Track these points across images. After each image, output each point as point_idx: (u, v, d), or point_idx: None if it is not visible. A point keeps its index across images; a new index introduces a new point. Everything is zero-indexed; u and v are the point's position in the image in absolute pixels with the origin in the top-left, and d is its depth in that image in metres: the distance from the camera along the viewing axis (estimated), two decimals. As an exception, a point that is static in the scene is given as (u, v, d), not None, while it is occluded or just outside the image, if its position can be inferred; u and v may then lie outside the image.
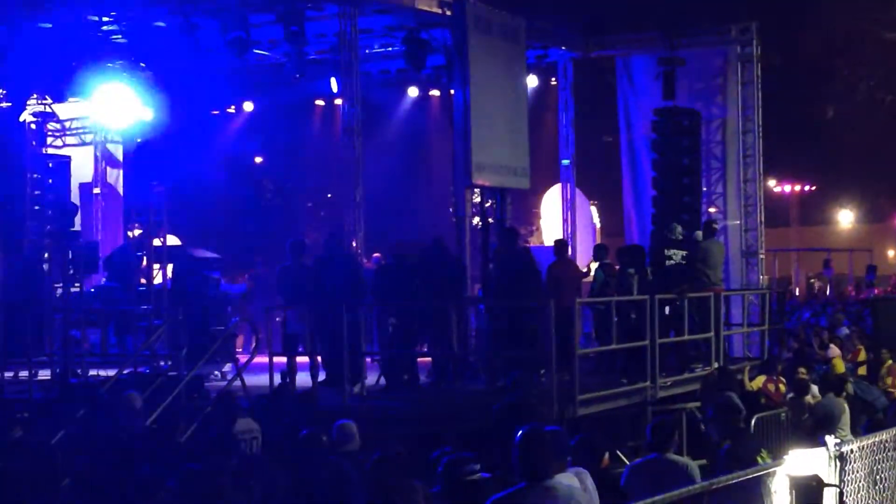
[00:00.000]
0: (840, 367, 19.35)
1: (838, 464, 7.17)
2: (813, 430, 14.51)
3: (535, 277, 16.33)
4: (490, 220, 20.71)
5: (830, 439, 7.23)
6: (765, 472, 7.04)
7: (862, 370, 20.30)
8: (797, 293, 36.37)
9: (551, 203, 24.65)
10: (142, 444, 10.74)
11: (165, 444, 11.08)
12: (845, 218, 52.23)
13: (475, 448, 9.11)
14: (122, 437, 10.73)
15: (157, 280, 18.53)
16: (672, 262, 17.62)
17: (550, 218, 24.84)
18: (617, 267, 18.05)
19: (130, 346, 18.72)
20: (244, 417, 12.08)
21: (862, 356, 20.96)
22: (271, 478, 9.92)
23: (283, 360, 16.22)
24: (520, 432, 7.05)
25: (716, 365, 17.13)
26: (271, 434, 11.96)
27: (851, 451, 7.34)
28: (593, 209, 29.86)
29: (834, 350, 20.50)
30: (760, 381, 17.67)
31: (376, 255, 21.07)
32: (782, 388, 17.46)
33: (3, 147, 20.91)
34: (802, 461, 7.00)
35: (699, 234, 19.70)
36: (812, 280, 37.46)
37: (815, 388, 16.34)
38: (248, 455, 11.02)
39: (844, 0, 39.49)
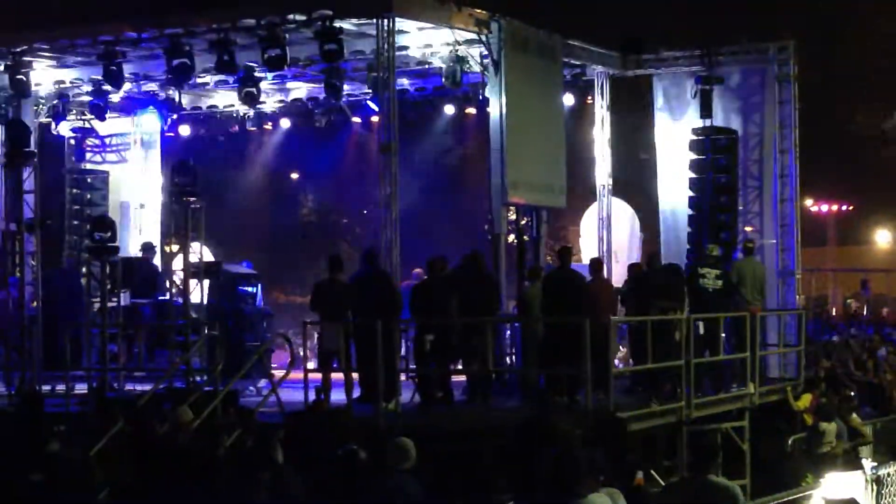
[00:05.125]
0: None
1: (875, 487, 7.14)
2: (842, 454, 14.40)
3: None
4: (525, 237, 20.69)
5: (867, 462, 7.20)
6: (802, 495, 7.01)
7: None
8: (833, 313, 36.11)
9: (590, 221, 24.46)
10: (182, 458, 10.79)
11: (205, 459, 11.11)
12: (883, 238, 51.78)
13: (509, 466, 9.09)
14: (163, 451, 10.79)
15: (194, 296, 18.60)
16: (706, 280, 17.54)
17: (589, 236, 24.65)
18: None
19: (163, 361, 18.77)
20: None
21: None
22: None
23: (318, 376, 16.25)
24: (551, 452, 7.03)
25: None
26: (306, 451, 11.97)
27: (888, 474, 7.30)
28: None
29: None
30: (807, 399, 17.53)
31: (417, 270, 21.05)
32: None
33: (43, 163, 21.05)
34: (839, 484, 6.98)
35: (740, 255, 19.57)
36: (849, 300, 37.20)
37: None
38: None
39: (882, 17, 39.29)
